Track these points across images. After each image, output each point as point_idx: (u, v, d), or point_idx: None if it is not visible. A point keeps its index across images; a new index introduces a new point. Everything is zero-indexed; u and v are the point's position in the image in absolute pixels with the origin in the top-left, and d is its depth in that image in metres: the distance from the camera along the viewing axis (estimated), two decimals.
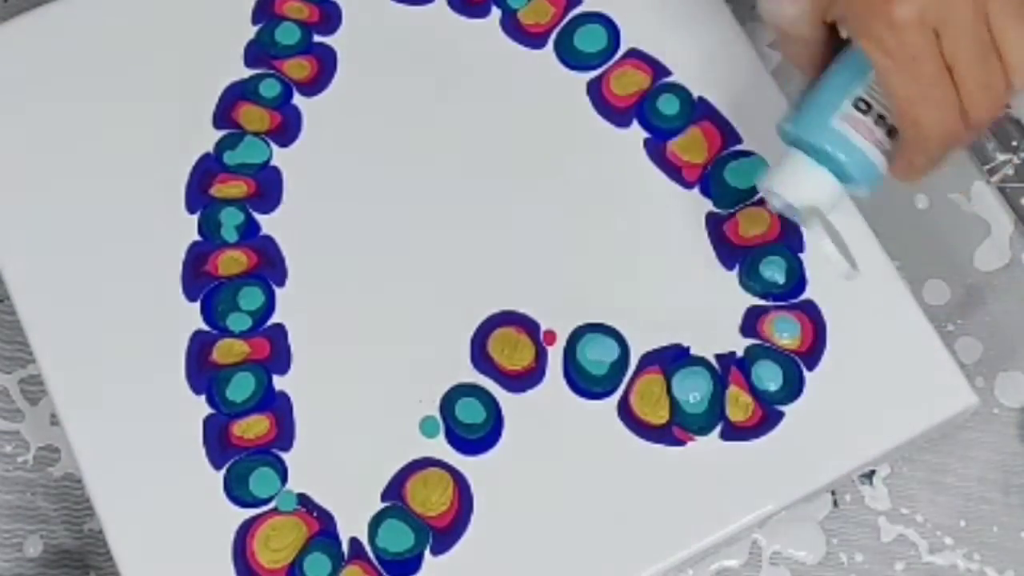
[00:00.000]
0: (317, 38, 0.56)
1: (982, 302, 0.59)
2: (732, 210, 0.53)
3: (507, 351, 0.51)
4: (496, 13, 0.56)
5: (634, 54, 0.55)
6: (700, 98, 0.54)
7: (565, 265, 0.52)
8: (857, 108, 0.47)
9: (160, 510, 0.49)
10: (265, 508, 0.49)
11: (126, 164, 0.54)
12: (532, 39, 0.56)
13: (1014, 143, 0.61)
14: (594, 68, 0.55)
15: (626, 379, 0.51)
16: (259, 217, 0.53)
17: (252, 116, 0.55)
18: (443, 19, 0.56)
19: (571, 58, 0.55)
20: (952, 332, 0.59)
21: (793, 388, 0.50)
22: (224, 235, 0.53)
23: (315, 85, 0.55)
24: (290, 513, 0.49)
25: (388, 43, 0.56)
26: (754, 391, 0.50)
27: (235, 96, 0.55)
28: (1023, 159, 0.61)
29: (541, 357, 0.51)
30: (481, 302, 0.52)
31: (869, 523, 0.57)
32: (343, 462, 0.50)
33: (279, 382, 0.51)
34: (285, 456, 0.50)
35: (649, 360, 0.51)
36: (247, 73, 0.55)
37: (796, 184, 0.48)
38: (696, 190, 0.53)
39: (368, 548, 0.49)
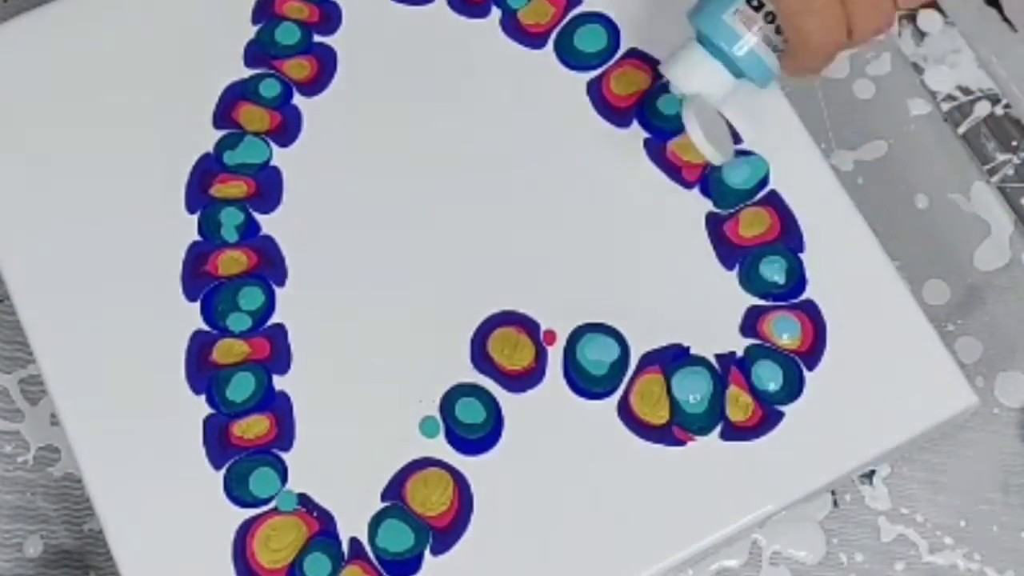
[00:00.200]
0: (317, 38, 0.56)
1: (982, 302, 0.59)
2: (732, 210, 0.53)
3: (507, 351, 0.51)
4: (496, 13, 0.56)
5: (634, 54, 0.55)
6: None
7: (565, 265, 0.52)
8: (750, 4, 0.49)
9: (160, 510, 0.49)
10: (265, 508, 0.49)
11: (126, 164, 0.54)
12: (532, 39, 0.56)
13: (1014, 143, 0.61)
14: (594, 68, 0.55)
15: (626, 379, 0.51)
16: (259, 217, 0.53)
17: (252, 116, 0.55)
18: (443, 19, 0.56)
19: (571, 58, 0.55)
20: (952, 332, 0.59)
21: (793, 388, 0.50)
22: (224, 235, 0.53)
23: (315, 85, 0.55)
24: (290, 513, 0.49)
25: (388, 43, 0.56)
26: (754, 391, 0.50)
27: (235, 96, 0.55)
28: (1023, 159, 0.61)
29: (541, 357, 0.51)
30: (481, 302, 0.52)
31: (869, 523, 0.57)
32: (343, 462, 0.50)
33: (279, 382, 0.51)
34: (285, 456, 0.50)
35: (649, 360, 0.51)
36: (247, 73, 0.55)
37: (687, 73, 0.50)
38: (696, 190, 0.53)
39: (368, 548, 0.49)
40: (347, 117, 0.55)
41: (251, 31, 0.56)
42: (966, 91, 0.63)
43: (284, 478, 0.50)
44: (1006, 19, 0.64)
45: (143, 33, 0.56)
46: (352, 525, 0.49)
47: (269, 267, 0.52)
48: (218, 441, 0.50)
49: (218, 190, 0.53)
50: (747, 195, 0.53)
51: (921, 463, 0.57)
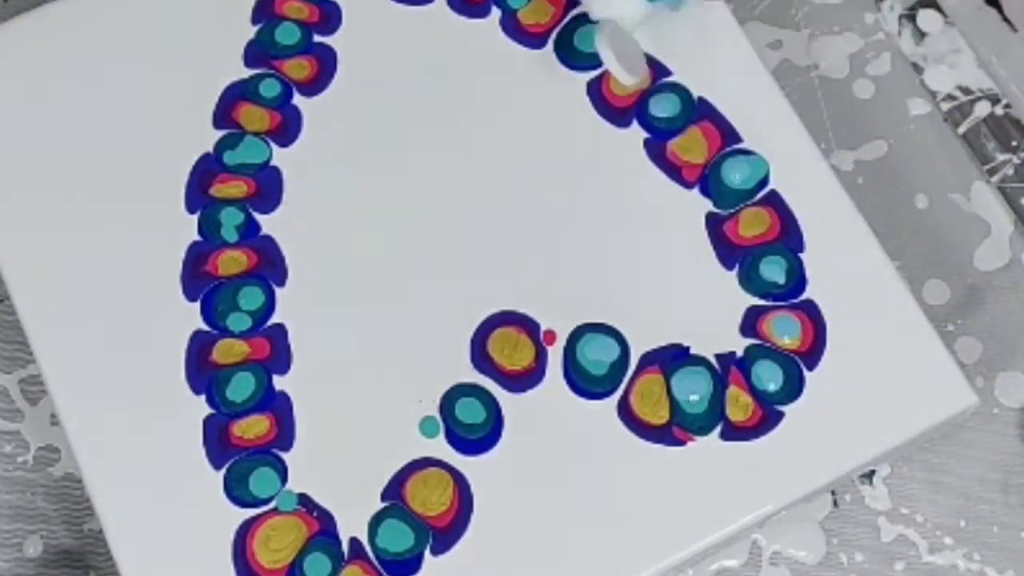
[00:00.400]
0: (317, 38, 0.56)
1: (982, 302, 0.59)
2: (732, 210, 0.53)
3: (507, 351, 0.51)
4: (496, 13, 0.56)
5: None
6: (700, 98, 0.54)
7: (565, 265, 0.52)
8: None
9: (160, 510, 0.49)
10: (265, 508, 0.49)
11: (126, 164, 0.54)
12: (532, 39, 0.56)
13: (1014, 143, 0.61)
14: (594, 68, 0.55)
15: (626, 379, 0.51)
16: (259, 217, 0.53)
17: (252, 116, 0.55)
18: (443, 19, 0.56)
19: (571, 58, 0.55)
20: (952, 332, 0.59)
21: (793, 388, 0.50)
22: (224, 235, 0.53)
23: (315, 85, 0.55)
24: (290, 513, 0.49)
25: (388, 43, 0.56)
26: (754, 391, 0.50)
27: (235, 96, 0.55)
28: (1023, 159, 0.61)
29: (541, 357, 0.51)
30: (481, 302, 0.52)
31: (869, 523, 0.57)
32: (343, 462, 0.50)
33: (279, 382, 0.51)
34: (285, 456, 0.50)
35: (649, 360, 0.51)
36: (247, 73, 0.55)
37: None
38: (696, 190, 0.53)
39: (368, 548, 0.49)
40: (347, 117, 0.55)
41: (251, 31, 0.56)
42: (966, 91, 0.63)
43: (284, 478, 0.50)
44: (1006, 19, 0.64)
45: (143, 33, 0.56)
46: (352, 525, 0.49)
47: (269, 267, 0.52)
48: (218, 441, 0.50)
49: (218, 190, 0.53)
50: (747, 195, 0.53)
51: (921, 463, 0.57)
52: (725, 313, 0.51)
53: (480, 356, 0.51)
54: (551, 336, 0.51)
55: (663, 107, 0.54)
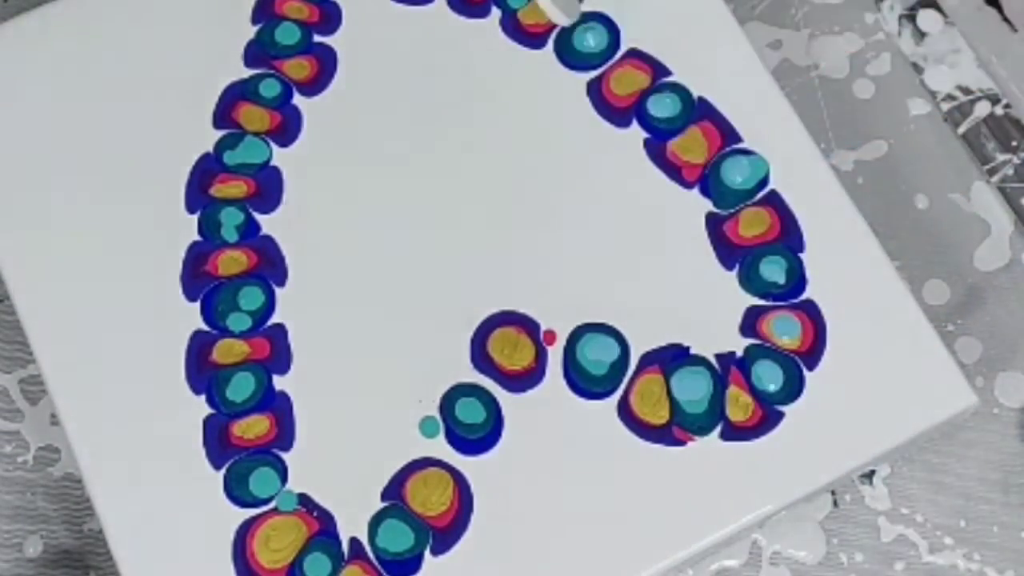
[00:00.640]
0: (317, 38, 0.56)
1: (982, 302, 0.59)
2: (732, 210, 0.53)
3: (507, 351, 0.51)
4: (496, 13, 0.56)
5: (634, 54, 0.55)
6: (700, 98, 0.54)
7: (565, 265, 0.52)
8: None
9: (160, 510, 0.49)
10: (265, 508, 0.49)
11: (126, 164, 0.54)
12: (532, 39, 0.56)
13: (1014, 143, 0.61)
14: (594, 68, 0.55)
15: (626, 379, 0.51)
16: (259, 217, 0.53)
17: (252, 116, 0.55)
18: (443, 19, 0.56)
19: (571, 58, 0.55)
20: (952, 332, 0.59)
21: (793, 388, 0.50)
22: (224, 235, 0.53)
23: (315, 85, 0.55)
24: (290, 513, 0.49)
25: (388, 43, 0.56)
26: (754, 391, 0.50)
27: (235, 96, 0.55)
28: (1023, 159, 0.61)
29: (541, 357, 0.51)
30: (481, 302, 0.52)
31: (869, 523, 0.57)
32: (343, 462, 0.50)
33: (279, 382, 0.51)
34: (285, 456, 0.50)
35: (649, 360, 0.51)
36: (247, 73, 0.55)
37: None
38: (696, 190, 0.53)
39: (368, 548, 0.49)
40: (347, 117, 0.55)
41: (251, 31, 0.56)
42: (966, 91, 0.63)
43: (284, 478, 0.50)
44: (1006, 19, 0.64)
45: (143, 33, 0.56)
46: (352, 525, 0.49)
47: (269, 267, 0.52)
48: (218, 441, 0.50)
49: (218, 190, 0.53)
50: (747, 195, 0.53)
51: (921, 463, 0.57)
52: (725, 313, 0.51)
53: (480, 356, 0.51)
54: (551, 336, 0.51)
55: (663, 107, 0.54)
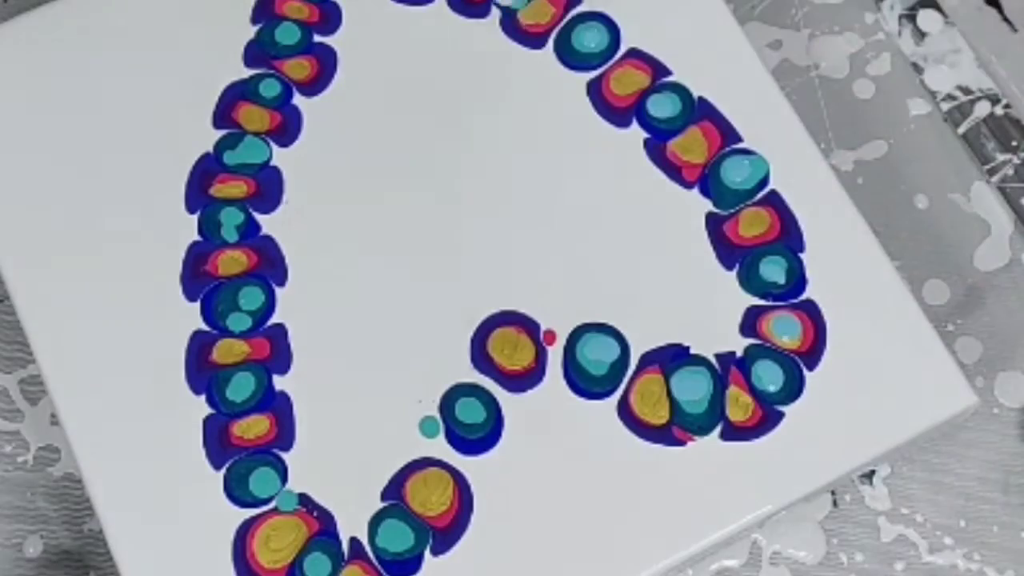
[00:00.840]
0: (317, 38, 0.56)
1: (982, 302, 0.59)
2: (732, 210, 0.53)
3: (507, 351, 0.51)
4: (496, 13, 0.56)
5: (634, 54, 0.55)
6: (700, 98, 0.54)
7: (565, 265, 0.52)
8: None
9: (160, 510, 0.49)
10: (265, 508, 0.49)
11: (126, 164, 0.54)
12: (532, 39, 0.56)
13: (1014, 143, 0.61)
14: (594, 68, 0.55)
15: (626, 379, 0.51)
16: (259, 217, 0.53)
17: (252, 116, 0.55)
18: (443, 19, 0.56)
19: (571, 58, 0.55)
20: (952, 332, 0.59)
21: (793, 388, 0.50)
22: (224, 235, 0.53)
23: (315, 85, 0.55)
24: (290, 513, 0.49)
25: (388, 43, 0.56)
26: (754, 391, 0.50)
27: (235, 96, 0.55)
28: (1023, 159, 0.61)
29: (541, 357, 0.51)
30: (481, 302, 0.52)
31: (869, 523, 0.57)
32: (343, 462, 0.50)
33: (279, 382, 0.51)
34: (285, 456, 0.50)
35: (649, 360, 0.51)
36: (247, 73, 0.55)
37: None
38: (696, 190, 0.53)
39: (368, 548, 0.49)
40: (347, 117, 0.55)
41: (251, 31, 0.56)
42: (966, 91, 0.63)
43: (284, 478, 0.50)
44: (1006, 19, 0.64)
45: (143, 33, 0.56)
46: (352, 525, 0.49)
47: (269, 267, 0.52)
48: (218, 441, 0.50)
49: (218, 190, 0.53)
50: (747, 195, 0.53)
51: (921, 463, 0.57)
52: (725, 313, 0.51)
53: (480, 356, 0.51)
54: (551, 336, 0.51)
55: (663, 107, 0.54)
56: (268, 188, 0.54)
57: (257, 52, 0.55)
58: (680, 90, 0.55)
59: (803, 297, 0.52)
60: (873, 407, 0.50)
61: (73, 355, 0.51)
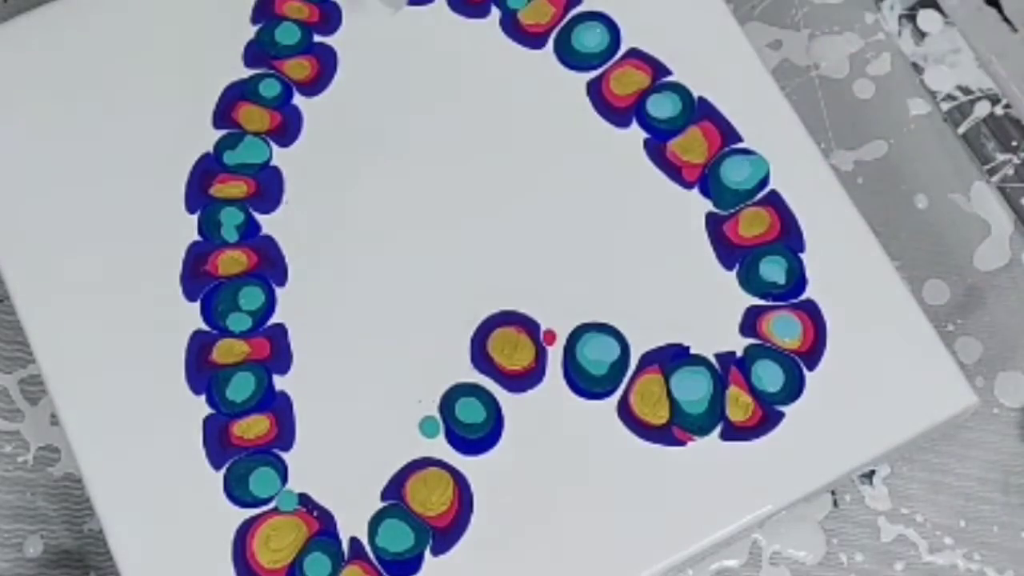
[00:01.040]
0: (317, 38, 0.56)
1: (982, 302, 0.59)
2: (732, 210, 0.53)
3: (507, 351, 0.51)
4: (496, 13, 0.56)
5: (634, 54, 0.55)
6: (700, 98, 0.54)
7: (565, 265, 0.52)
8: None
9: (160, 510, 0.49)
10: (265, 508, 0.49)
11: (126, 164, 0.54)
12: (532, 39, 0.56)
13: (1014, 143, 0.61)
14: (594, 68, 0.55)
15: (626, 379, 0.51)
16: (259, 217, 0.53)
17: (252, 116, 0.55)
18: (443, 19, 0.56)
19: (571, 58, 0.55)
20: (952, 332, 0.59)
21: (793, 388, 0.50)
22: (224, 235, 0.53)
23: (315, 85, 0.55)
24: (290, 513, 0.49)
25: (388, 43, 0.56)
26: (754, 391, 0.50)
27: (235, 96, 0.55)
28: (1023, 159, 0.61)
29: (541, 357, 0.51)
30: (481, 302, 0.52)
31: (869, 523, 0.57)
32: (343, 462, 0.50)
33: (279, 382, 0.51)
34: (285, 456, 0.50)
35: (649, 360, 0.51)
36: (247, 73, 0.55)
37: None
38: (696, 190, 0.53)
39: (368, 548, 0.49)
40: (347, 117, 0.55)
41: (251, 31, 0.56)
42: (966, 91, 0.63)
43: (284, 478, 0.50)
44: (1006, 19, 0.64)
45: (143, 33, 0.56)
46: (352, 525, 0.49)
47: (269, 267, 0.52)
48: (218, 441, 0.50)
49: (218, 190, 0.53)
50: (747, 195, 0.53)
51: (921, 463, 0.57)
52: (725, 313, 0.51)
53: (480, 356, 0.51)
54: (551, 336, 0.51)
55: (663, 107, 0.54)
56: (268, 188, 0.54)
57: (257, 52, 0.55)
58: (680, 90, 0.55)
59: (803, 297, 0.52)
60: (873, 407, 0.50)
61: (73, 355, 0.51)
